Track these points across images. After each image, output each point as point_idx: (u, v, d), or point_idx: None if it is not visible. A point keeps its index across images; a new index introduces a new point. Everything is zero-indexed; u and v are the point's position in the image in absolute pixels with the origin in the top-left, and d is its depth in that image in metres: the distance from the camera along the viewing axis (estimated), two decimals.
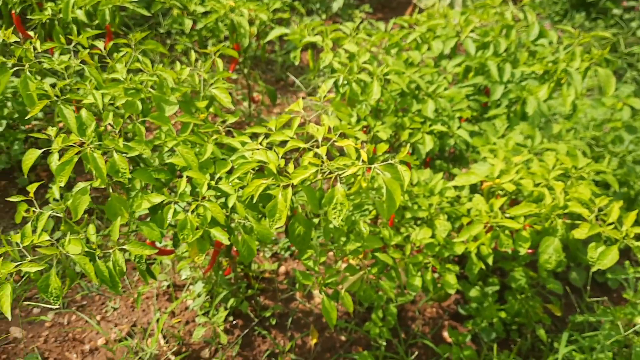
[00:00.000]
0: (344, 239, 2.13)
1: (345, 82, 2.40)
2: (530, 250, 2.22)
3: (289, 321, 2.83)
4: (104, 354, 2.61)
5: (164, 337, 2.68)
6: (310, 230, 1.98)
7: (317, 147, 1.91)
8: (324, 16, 5.74)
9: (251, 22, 3.39)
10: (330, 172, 1.84)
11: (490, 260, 2.10)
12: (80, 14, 2.80)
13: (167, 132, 2.00)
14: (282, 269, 3.16)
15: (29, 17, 2.94)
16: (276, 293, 3.00)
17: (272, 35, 2.61)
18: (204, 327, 2.65)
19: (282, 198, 1.79)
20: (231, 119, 2.14)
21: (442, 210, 2.23)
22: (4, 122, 3.16)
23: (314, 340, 2.77)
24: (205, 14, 3.41)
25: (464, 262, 2.93)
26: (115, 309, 2.81)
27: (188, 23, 3.23)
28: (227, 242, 1.80)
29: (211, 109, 2.16)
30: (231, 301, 2.67)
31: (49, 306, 2.81)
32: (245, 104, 4.46)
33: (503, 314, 2.66)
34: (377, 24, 2.84)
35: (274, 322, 2.80)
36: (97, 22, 2.84)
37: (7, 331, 2.70)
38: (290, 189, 1.78)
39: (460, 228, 2.31)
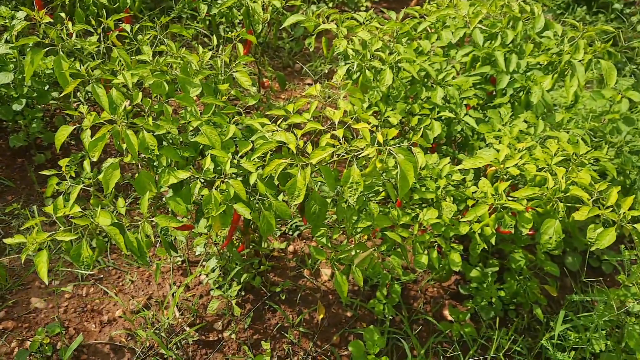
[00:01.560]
0: (355, 217, 2.25)
1: (359, 68, 2.51)
2: (531, 232, 2.35)
3: (297, 297, 2.96)
4: (121, 324, 2.73)
5: (179, 309, 2.81)
6: (325, 209, 2.10)
7: (334, 129, 2.02)
8: (330, 4, 5.81)
9: (264, 9, 3.48)
10: (346, 153, 1.95)
11: (493, 241, 2.22)
12: None
13: (191, 112, 2.11)
14: (291, 248, 3.29)
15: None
16: (285, 270, 3.12)
17: (289, 21, 2.70)
18: (218, 300, 2.78)
19: (301, 177, 1.90)
20: (251, 102, 2.25)
21: (448, 193, 2.35)
22: (24, 100, 3.26)
23: (321, 316, 2.90)
24: None
25: (465, 244, 3.06)
26: (132, 282, 2.93)
27: (203, 8, 3.32)
28: (249, 217, 1.92)
29: (232, 92, 2.26)
30: (244, 276, 2.79)
31: (81, 271, 2.93)
32: (255, 89, 4.56)
33: (502, 293, 2.79)
34: (389, 13, 2.94)
35: (283, 298, 2.93)
36: (117, 4, 2.93)
37: (29, 301, 2.82)
38: (309, 168, 1.90)
39: (465, 210, 2.44)
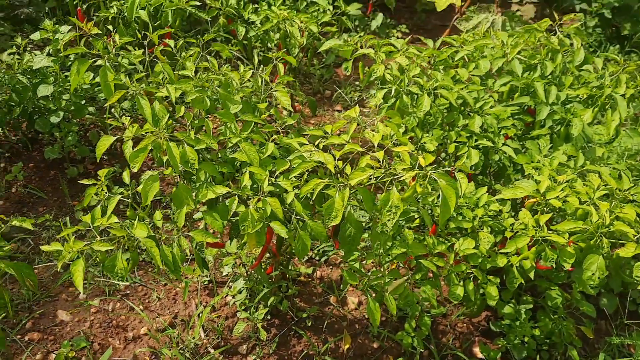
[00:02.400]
0: (389, 243, 2.21)
1: (396, 93, 2.50)
2: (570, 268, 2.28)
3: (323, 324, 2.90)
4: (146, 342, 2.70)
5: (205, 330, 2.76)
6: (360, 232, 2.06)
7: (373, 152, 2.00)
8: (362, 34, 5.87)
9: (300, 33, 3.52)
10: (385, 176, 1.92)
11: (532, 275, 2.16)
12: (143, 14, 2.95)
13: (231, 129, 2.11)
14: (318, 273, 3.24)
15: (93, 14, 3.10)
16: (312, 296, 3.07)
17: (326, 46, 2.72)
18: (244, 323, 2.73)
19: (339, 198, 1.88)
20: (290, 121, 2.25)
21: (485, 224, 2.30)
22: (61, 113, 3.31)
23: (347, 345, 2.83)
24: (255, 22, 3.55)
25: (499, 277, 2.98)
26: (159, 299, 2.91)
27: (242, 30, 3.37)
28: (285, 235, 1.89)
29: (272, 110, 2.26)
30: (271, 299, 2.74)
31: (107, 286, 2.91)
32: (285, 113, 4.58)
33: (537, 332, 2.69)
34: (425, 40, 2.95)
35: (309, 324, 2.87)
36: (159, 22, 2.99)
37: (55, 314, 2.81)
38: (347, 190, 1.87)
39: (502, 243, 2.38)
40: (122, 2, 3.18)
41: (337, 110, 4.97)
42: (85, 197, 2.02)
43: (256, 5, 3.65)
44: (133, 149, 1.86)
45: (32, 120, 3.45)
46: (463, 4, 5.45)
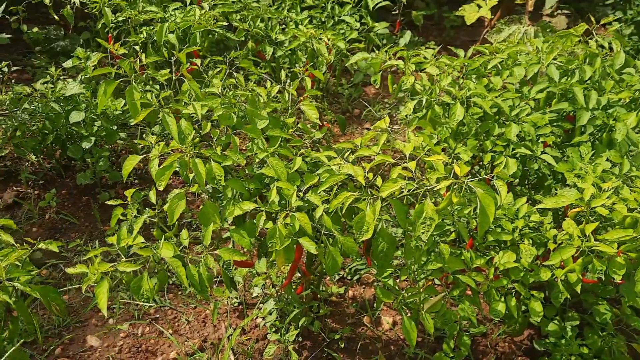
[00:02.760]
0: (424, 258, 2.11)
1: (427, 103, 2.42)
2: (620, 281, 2.13)
3: (357, 346, 2.79)
4: None
5: (234, 353, 2.69)
6: (393, 247, 1.97)
7: (404, 163, 1.92)
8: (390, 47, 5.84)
9: (327, 51, 3.50)
10: (418, 187, 1.84)
11: (578, 289, 2.02)
12: (172, 38, 2.97)
13: (258, 144, 2.07)
14: (350, 293, 3.14)
15: (124, 39, 3.15)
16: (344, 317, 2.97)
17: (354, 59, 2.68)
18: (275, 345, 2.64)
19: (370, 211, 1.80)
20: (318, 135, 2.19)
21: (525, 235, 2.18)
22: (92, 139, 3.35)
23: None
24: (282, 42, 3.55)
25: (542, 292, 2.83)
26: (188, 322, 2.85)
27: (269, 50, 3.36)
28: (315, 252, 1.82)
29: (299, 124, 2.22)
30: (302, 320, 2.66)
31: (137, 310, 2.88)
32: (309, 136, 4.55)
33: (585, 350, 2.52)
34: (456, 50, 2.87)
35: (342, 346, 2.77)
36: (187, 45, 3.01)
37: (84, 339, 2.78)
38: (379, 202, 1.79)
39: (544, 255, 2.24)
40: (152, 27, 3.22)
41: (367, 128, 4.91)
42: (112, 219, 2.00)
43: (284, 26, 3.65)
44: (161, 166, 1.83)
45: (65, 147, 3.50)
46: (493, 17, 5.36)
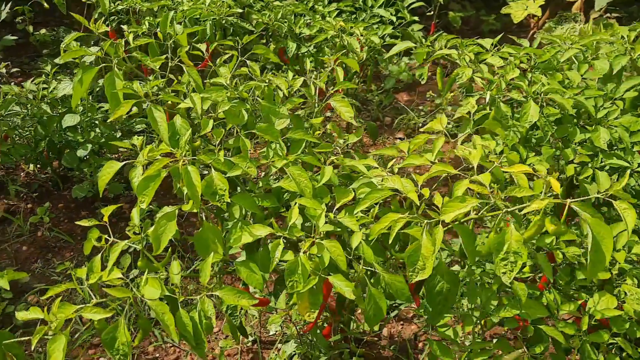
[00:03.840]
0: (494, 302, 1.59)
1: (491, 101, 1.92)
2: None
3: None
4: None
5: None
6: (456, 289, 1.47)
7: (471, 175, 1.42)
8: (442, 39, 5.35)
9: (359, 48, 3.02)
10: (495, 209, 1.34)
11: None
12: (179, 29, 2.53)
13: (275, 150, 1.59)
14: (385, 331, 2.63)
15: (125, 31, 2.72)
16: None
17: (396, 49, 2.19)
18: None
19: (427, 240, 1.30)
20: (352, 139, 1.71)
21: (627, 273, 1.65)
22: (89, 146, 2.92)
23: None
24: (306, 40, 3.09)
25: None
26: None
27: (292, 46, 2.91)
28: (352, 296, 1.32)
29: (328, 126, 1.74)
30: None
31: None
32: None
33: None
34: (519, 40, 2.37)
35: None
36: (197, 37, 2.56)
37: None
38: (440, 228, 1.29)
39: None
40: (157, 17, 2.80)
41: (399, 138, 4.41)
42: (85, 245, 1.54)
43: (308, 19, 3.20)
44: (143, 175, 1.37)
45: (61, 155, 3.08)
46: (541, 16, 4.84)
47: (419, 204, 1.35)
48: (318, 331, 2.18)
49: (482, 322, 1.61)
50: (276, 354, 2.37)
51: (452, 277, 1.44)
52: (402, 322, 2.69)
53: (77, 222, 1.61)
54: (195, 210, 1.37)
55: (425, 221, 1.33)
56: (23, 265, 2.96)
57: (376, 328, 2.58)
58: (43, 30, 4.93)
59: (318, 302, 1.40)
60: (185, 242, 3.00)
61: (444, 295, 1.46)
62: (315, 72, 1.91)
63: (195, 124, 1.63)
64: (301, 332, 2.28)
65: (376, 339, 2.57)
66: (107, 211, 1.51)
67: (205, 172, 1.45)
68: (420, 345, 2.60)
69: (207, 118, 1.53)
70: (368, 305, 1.38)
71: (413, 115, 4.50)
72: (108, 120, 1.44)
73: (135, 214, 1.51)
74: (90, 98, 3.18)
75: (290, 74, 1.80)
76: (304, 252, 1.37)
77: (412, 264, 1.31)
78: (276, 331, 2.50)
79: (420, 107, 4.70)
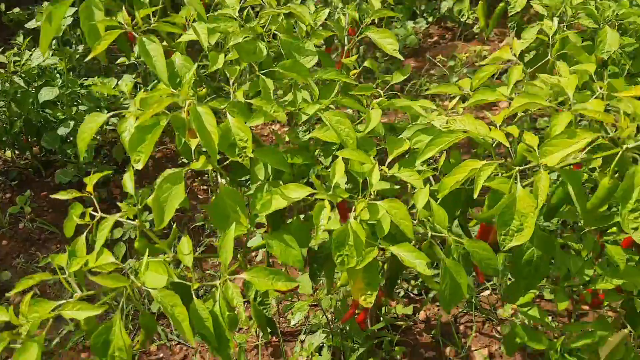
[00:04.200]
0: (590, 271, 1.27)
1: (554, 31, 1.58)
2: None
3: None
4: None
5: None
6: (549, 256, 1.14)
7: (569, 108, 1.09)
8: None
9: None
10: (612, 144, 1.01)
11: None
12: None
13: (303, 94, 1.25)
14: (422, 314, 2.31)
15: None
16: (417, 347, 2.15)
17: None
18: None
19: (524, 192, 0.97)
20: (397, 78, 1.37)
21: None
22: (71, 123, 2.55)
23: None
24: None
25: None
26: None
27: None
28: (428, 271, 0.99)
29: (366, 62, 1.40)
30: None
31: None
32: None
33: None
34: None
35: None
36: None
37: None
38: (545, 175, 0.96)
39: None
40: None
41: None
42: (66, 224, 1.20)
43: None
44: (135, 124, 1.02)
45: (40, 136, 2.71)
46: None
47: (509, 146, 1.02)
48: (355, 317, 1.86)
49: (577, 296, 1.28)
50: (301, 347, 2.04)
51: (546, 240, 1.11)
52: (437, 304, 2.38)
53: (52, 196, 1.26)
54: (209, 167, 1.03)
55: (517, 168, 0.99)
56: (3, 261, 2.62)
57: (409, 310, 2.27)
58: (17, 9, 4.51)
59: (376, 281, 1.06)
60: (190, 219, 2.65)
61: (534, 265, 1.13)
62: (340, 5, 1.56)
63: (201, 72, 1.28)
64: (331, 321, 1.96)
65: (411, 322, 2.26)
66: (91, 180, 1.17)
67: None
68: (461, 328, 2.29)
69: (216, 52, 1.18)
70: (443, 283, 1.05)
71: (424, 80, 4.16)
72: (87, 59, 1.14)
73: (127, 180, 1.16)
74: (72, 75, 2.83)
75: (312, 4, 1.45)
76: (355, 217, 1.03)
77: (504, 225, 0.98)
78: (298, 321, 2.18)
79: (432, 71, 4.36)
